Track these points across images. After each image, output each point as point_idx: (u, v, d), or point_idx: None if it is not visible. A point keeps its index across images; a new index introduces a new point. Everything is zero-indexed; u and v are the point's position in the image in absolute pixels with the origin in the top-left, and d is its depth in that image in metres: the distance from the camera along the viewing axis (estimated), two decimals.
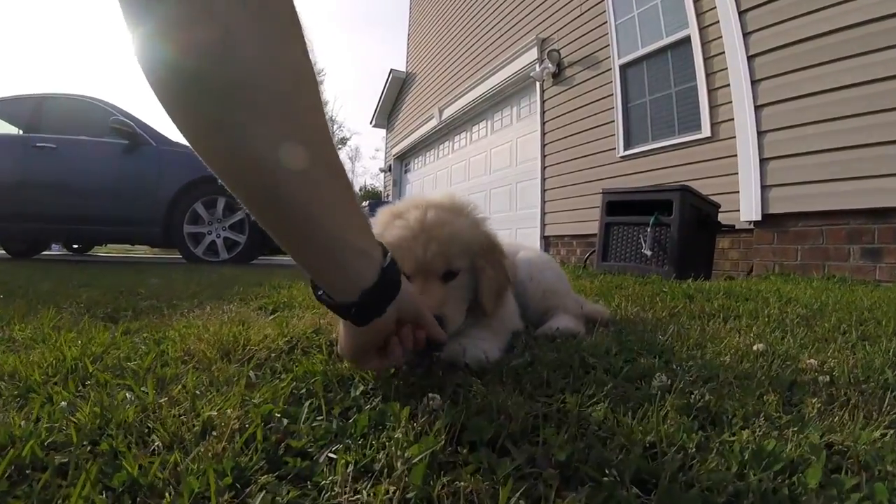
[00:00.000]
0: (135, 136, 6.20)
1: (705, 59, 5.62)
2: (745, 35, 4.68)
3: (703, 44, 5.65)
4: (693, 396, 0.86)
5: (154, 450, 0.73)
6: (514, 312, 1.50)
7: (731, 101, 4.96)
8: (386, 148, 17.56)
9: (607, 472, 0.63)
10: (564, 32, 7.99)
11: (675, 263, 4.08)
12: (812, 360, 1.15)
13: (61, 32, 61.64)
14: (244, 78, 0.59)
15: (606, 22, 7.13)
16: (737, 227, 4.82)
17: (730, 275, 5.08)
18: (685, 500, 0.56)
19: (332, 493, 0.62)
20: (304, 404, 0.86)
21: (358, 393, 0.93)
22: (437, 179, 13.19)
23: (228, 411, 0.83)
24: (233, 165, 0.66)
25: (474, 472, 0.65)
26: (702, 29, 5.67)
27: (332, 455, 0.70)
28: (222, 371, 1.08)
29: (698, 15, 5.73)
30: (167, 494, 0.60)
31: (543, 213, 8.31)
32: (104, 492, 0.61)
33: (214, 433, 0.75)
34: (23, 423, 0.78)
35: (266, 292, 2.73)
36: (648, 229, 4.28)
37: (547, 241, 8.25)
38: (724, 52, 5.05)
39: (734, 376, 1.03)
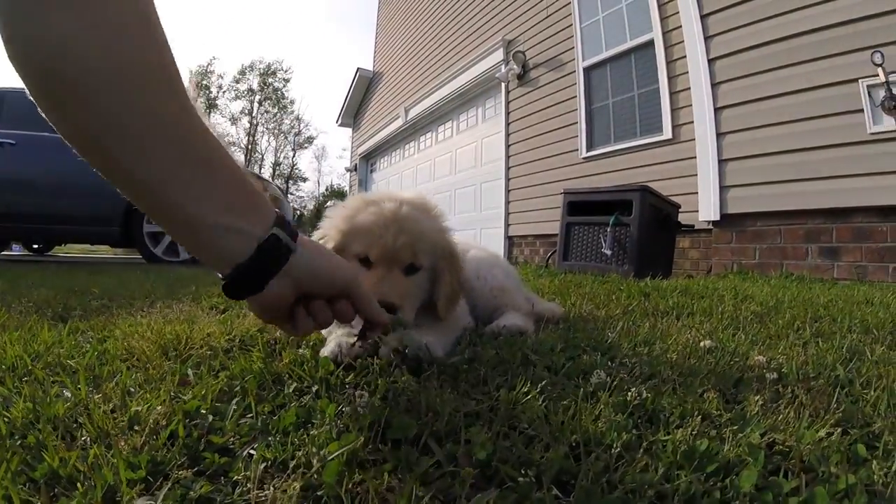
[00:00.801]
0: None
1: (668, 63, 5.67)
2: (707, 38, 4.74)
3: (666, 47, 5.70)
4: (630, 393, 0.80)
5: (81, 444, 0.72)
6: (464, 311, 1.47)
7: (692, 104, 5.00)
8: (352, 147, 17.40)
9: (526, 472, 0.57)
10: (530, 34, 8.00)
11: (635, 262, 4.09)
12: (761, 357, 1.11)
13: None
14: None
15: (572, 24, 7.15)
16: (696, 227, 4.87)
17: (690, 273, 5.12)
18: (604, 503, 0.50)
19: (245, 489, 0.60)
20: (233, 402, 0.84)
21: (290, 390, 0.90)
22: (402, 179, 13.12)
23: (158, 407, 0.81)
24: (74, 139, 0.68)
25: (392, 470, 0.62)
26: (665, 33, 5.73)
27: (252, 451, 0.68)
28: (158, 368, 1.06)
29: (662, 19, 5.78)
30: (79, 486, 0.60)
31: (507, 214, 8.31)
32: (26, 483, 0.62)
33: (137, 427, 0.74)
34: None
35: (220, 291, 2.64)
36: (608, 229, 4.28)
37: (511, 242, 8.25)
38: (686, 56, 5.11)
39: (678, 374, 0.98)
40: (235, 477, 0.62)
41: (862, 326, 1.67)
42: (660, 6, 5.80)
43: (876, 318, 1.81)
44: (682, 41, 5.23)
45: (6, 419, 0.78)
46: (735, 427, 0.71)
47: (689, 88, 5.08)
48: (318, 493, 0.58)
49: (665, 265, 4.54)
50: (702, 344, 1.21)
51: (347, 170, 17.83)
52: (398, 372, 0.98)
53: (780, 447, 0.68)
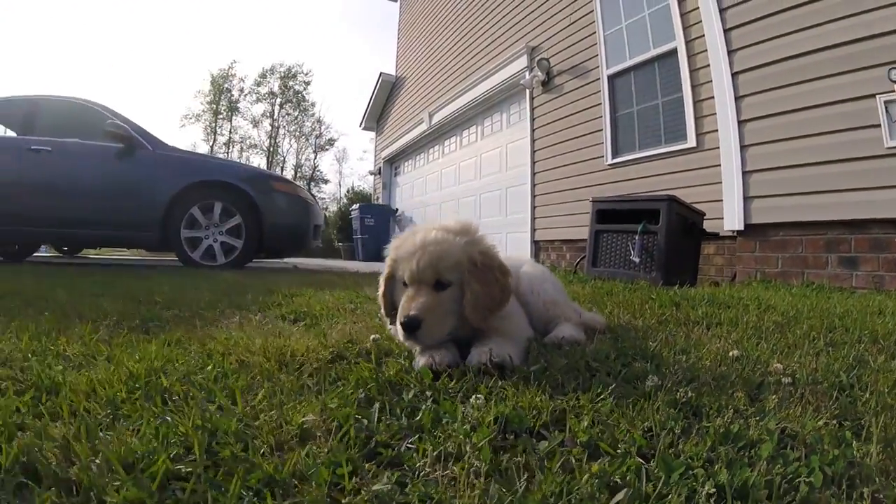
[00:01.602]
0: (131, 140, 6.24)
1: (691, 72, 5.81)
2: (730, 52, 4.92)
3: (689, 56, 5.84)
4: (678, 394, 1.08)
5: (263, 453, 0.87)
6: (525, 322, 1.73)
7: (716, 114, 5.16)
8: (375, 151, 17.70)
9: (617, 448, 0.84)
10: (554, 41, 8.16)
11: (662, 270, 4.31)
12: (779, 365, 1.36)
13: (56, 34, 61.07)
14: None
15: (595, 32, 7.30)
16: (721, 235, 5.05)
17: (714, 280, 5.31)
18: (675, 465, 0.77)
19: (425, 472, 0.81)
20: (374, 407, 1.06)
21: (411, 396, 1.14)
22: (427, 183, 13.36)
23: (310, 416, 1.00)
24: None
25: (522, 451, 0.86)
26: (688, 42, 5.87)
27: (410, 445, 0.90)
28: (287, 381, 1.25)
29: (685, 28, 5.91)
30: (305, 484, 0.76)
31: (534, 219, 8.49)
32: (246, 490, 0.75)
33: (319, 433, 0.94)
34: (136, 440, 0.89)
35: (280, 300, 2.90)
36: (636, 237, 4.50)
37: (537, 246, 8.45)
38: (709, 65, 5.26)
39: (712, 377, 1.25)
40: (414, 465, 0.83)
41: (871, 337, 1.90)
42: (682, 15, 5.93)
43: (885, 328, 2.04)
44: (705, 50, 5.36)
45: (180, 433, 0.91)
46: (757, 418, 0.97)
47: (712, 97, 5.23)
48: (483, 469, 0.81)
49: (691, 272, 4.75)
50: (730, 354, 1.46)
51: (371, 173, 18.13)
52: (489, 378, 1.24)
53: (790, 432, 0.93)
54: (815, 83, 4.29)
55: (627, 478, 0.75)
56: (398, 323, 1.41)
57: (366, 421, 0.99)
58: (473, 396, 1.08)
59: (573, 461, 0.82)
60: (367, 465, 0.83)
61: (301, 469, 0.81)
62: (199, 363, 1.42)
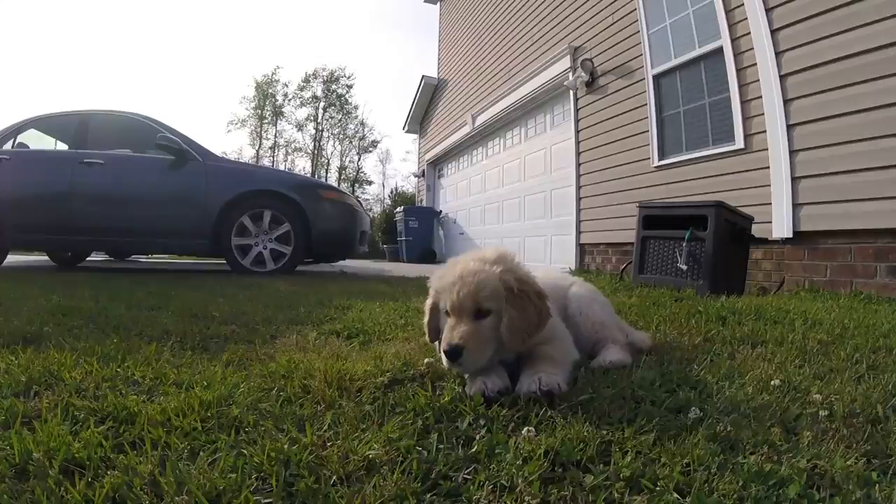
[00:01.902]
0: (182, 152, 6.53)
1: (738, 71, 5.69)
2: (778, 54, 4.84)
3: (735, 55, 5.73)
4: (718, 427, 1.17)
5: (333, 483, 0.98)
6: (571, 344, 1.80)
7: (763, 114, 5.11)
8: (419, 153, 17.91)
9: (658, 484, 0.94)
10: (597, 41, 8.13)
11: (709, 278, 4.30)
12: (818, 395, 1.42)
13: (104, 48, 63.74)
14: None
15: (639, 31, 7.23)
16: (769, 240, 4.99)
17: (762, 285, 5.24)
18: (709, 502, 0.87)
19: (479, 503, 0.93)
20: (432, 437, 1.18)
21: (465, 425, 1.25)
22: (470, 185, 13.49)
23: (376, 446, 1.12)
24: None
25: (570, 485, 0.97)
26: (734, 40, 5.75)
27: (466, 476, 1.02)
28: (349, 409, 1.37)
29: (730, 26, 5.79)
30: None
31: (579, 222, 8.47)
32: None
33: (383, 466, 1.05)
34: (216, 473, 0.99)
35: (333, 314, 3.06)
36: (684, 244, 4.50)
37: (582, 250, 8.44)
38: (756, 64, 5.19)
39: (752, 408, 1.32)
40: (471, 496, 0.93)
41: None
42: (727, 12, 5.82)
43: None
44: (752, 48, 5.28)
45: (255, 463, 1.02)
46: (790, 455, 1.05)
47: (760, 97, 5.16)
48: (533, 501, 0.92)
49: (738, 279, 4.71)
50: (772, 382, 1.53)
51: (415, 175, 18.37)
52: (538, 406, 1.34)
53: (819, 469, 1.01)
54: (865, 86, 4.20)
55: None
56: (441, 351, 1.53)
57: (426, 452, 1.10)
58: (525, 429, 1.19)
59: (615, 495, 0.92)
60: (428, 496, 0.94)
61: (370, 501, 0.92)
62: (264, 387, 1.54)
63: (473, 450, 1.11)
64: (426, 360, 1.77)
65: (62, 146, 7.26)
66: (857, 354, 1.95)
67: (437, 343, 1.72)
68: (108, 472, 0.98)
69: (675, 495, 0.91)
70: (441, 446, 1.13)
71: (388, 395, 1.49)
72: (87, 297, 3.57)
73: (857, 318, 2.80)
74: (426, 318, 1.73)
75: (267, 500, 0.91)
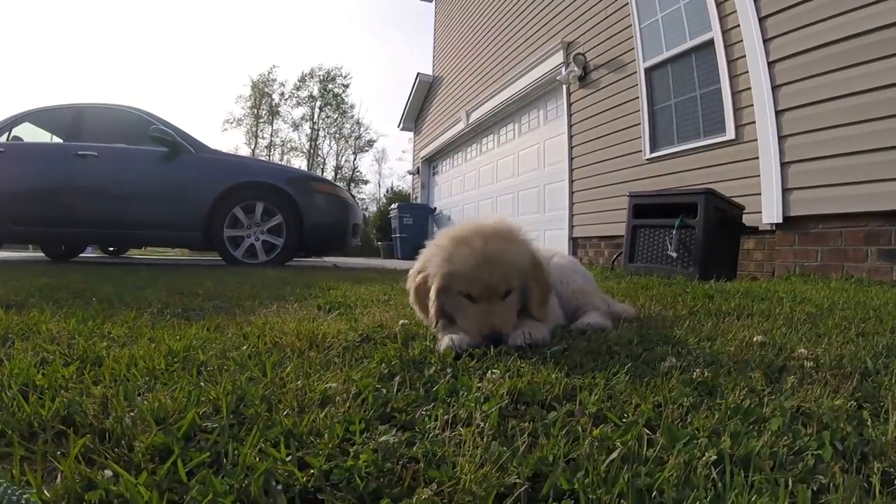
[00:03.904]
0: (175, 143, 6.47)
1: (729, 62, 5.69)
2: (766, 41, 4.81)
3: (726, 46, 5.72)
4: (695, 373, 1.10)
5: (286, 414, 0.94)
6: (557, 308, 1.78)
7: (754, 105, 5.07)
8: (413, 150, 17.87)
9: (624, 418, 0.87)
10: (589, 36, 8.12)
11: (700, 265, 4.25)
12: (803, 350, 1.36)
13: (95, 37, 63.44)
14: None
15: (631, 25, 7.23)
16: (760, 229, 4.95)
17: (754, 275, 5.19)
18: (680, 434, 0.80)
19: (434, 435, 0.87)
20: (394, 380, 1.12)
21: (431, 371, 1.20)
22: (464, 182, 13.43)
23: (333, 384, 1.08)
24: None
25: (530, 420, 0.91)
26: (724, 32, 5.75)
27: (425, 412, 0.96)
28: (316, 358, 1.33)
29: (721, 18, 5.79)
30: (319, 439, 0.83)
31: (571, 215, 8.45)
32: (267, 442, 0.82)
33: (338, 398, 1.00)
34: (169, 400, 0.98)
35: (318, 293, 3.00)
36: (674, 231, 4.45)
37: (575, 243, 8.41)
38: (746, 55, 5.16)
39: (733, 361, 1.26)
40: (424, 427, 0.89)
41: None
42: (717, 5, 5.81)
43: None
44: (742, 40, 5.26)
45: (212, 397, 0.98)
46: (773, 397, 0.99)
47: (750, 88, 5.13)
48: (489, 433, 0.86)
49: (729, 267, 4.67)
50: (755, 339, 1.46)
51: (410, 173, 18.29)
52: (509, 358, 1.28)
53: (805, 410, 0.94)
54: (853, 70, 4.16)
55: (629, 444, 0.79)
56: (476, 333, 1.46)
57: (385, 390, 1.05)
58: (490, 371, 1.13)
59: (579, 430, 0.86)
60: (381, 427, 0.89)
61: (318, 426, 0.88)
62: (236, 343, 1.51)
63: (434, 390, 1.06)
64: (401, 322, 1.70)
65: (57, 140, 7.21)
66: (846, 323, 1.89)
67: (444, 328, 1.60)
68: (62, 393, 1.00)
69: (645, 430, 0.85)
70: (403, 388, 1.09)
71: (357, 348, 1.44)
72: (76, 279, 3.56)
73: (847, 296, 2.75)
74: (431, 303, 1.58)
75: (213, 425, 0.88)
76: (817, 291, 2.97)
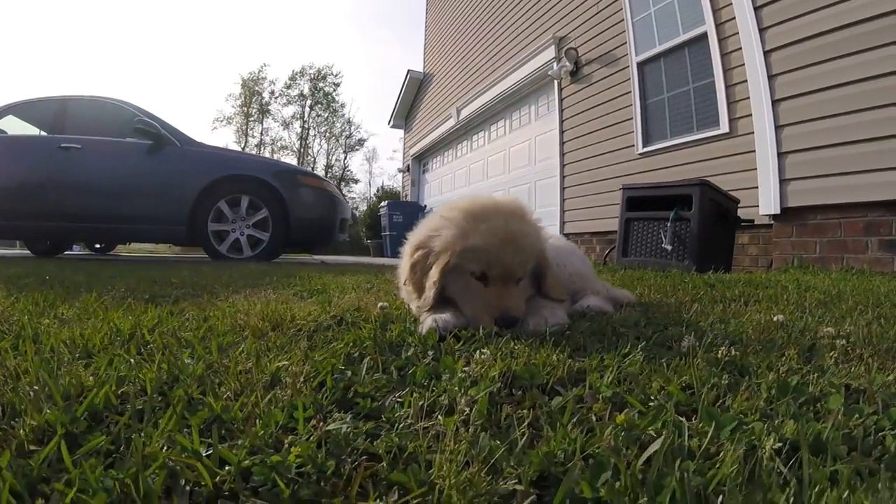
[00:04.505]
0: (159, 136, 6.30)
1: (722, 56, 5.62)
2: (761, 31, 4.71)
3: (719, 40, 5.66)
4: (721, 352, 0.95)
5: (226, 397, 0.80)
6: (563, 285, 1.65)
7: (749, 97, 4.98)
8: (404, 148, 17.71)
9: (649, 403, 0.72)
10: (581, 31, 8.02)
11: (695, 258, 4.14)
12: (829, 329, 1.23)
13: (83, 35, 62.71)
14: None
15: (623, 20, 7.14)
16: (756, 223, 4.85)
17: (749, 270, 5.10)
18: (725, 419, 0.65)
19: (405, 425, 0.71)
20: (363, 362, 0.96)
21: (410, 353, 1.05)
22: (455, 179, 13.30)
23: (293, 367, 0.92)
24: None
25: (530, 406, 0.74)
26: (718, 25, 5.68)
27: (397, 399, 0.80)
28: (277, 339, 1.18)
29: (714, 11, 5.72)
30: (251, 426, 0.68)
31: (563, 212, 8.34)
32: (185, 429, 0.69)
33: (289, 380, 0.85)
34: (91, 377, 0.86)
35: (297, 282, 2.85)
36: (668, 224, 4.34)
37: (567, 239, 8.25)
38: (741, 48, 5.08)
39: (757, 340, 1.12)
40: (393, 416, 0.72)
41: None
42: None
43: None
44: (736, 33, 5.18)
45: (139, 381, 0.85)
46: (815, 374, 0.85)
47: (745, 81, 5.05)
48: (476, 423, 0.70)
49: (725, 261, 4.57)
50: (775, 318, 1.33)
51: (400, 170, 18.14)
52: (500, 340, 1.13)
53: (856, 388, 0.81)
54: (853, 57, 4.06)
55: (664, 432, 0.63)
56: (488, 317, 1.31)
57: (350, 373, 0.90)
58: (478, 352, 0.98)
59: (593, 419, 0.71)
60: (337, 415, 0.74)
61: (258, 412, 0.74)
62: (192, 326, 1.37)
63: (410, 372, 0.90)
64: (380, 305, 1.54)
65: (40, 132, 6.99)
66: (861, 307, 1.76)
67: (436, 307, 1.40)
68: None
69: (677, 415, 0.70)
70: (374, 372, 0.93)
71: (328, 331, 1.29)
72: (50, 269, 3.45)
73: (853, 285, 2.63)
74: (432, 283, 1.38)
75: (139, 407, 0.75)
76: (820, 281, 2.85)
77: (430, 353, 1.06)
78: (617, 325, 1.27)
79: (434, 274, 1.37)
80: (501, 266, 1.32)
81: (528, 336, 1.20)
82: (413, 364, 0.97)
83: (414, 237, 1.53)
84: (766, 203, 4.61)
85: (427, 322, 1.27)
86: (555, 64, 8.46)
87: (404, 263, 1.52)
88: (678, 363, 0.92)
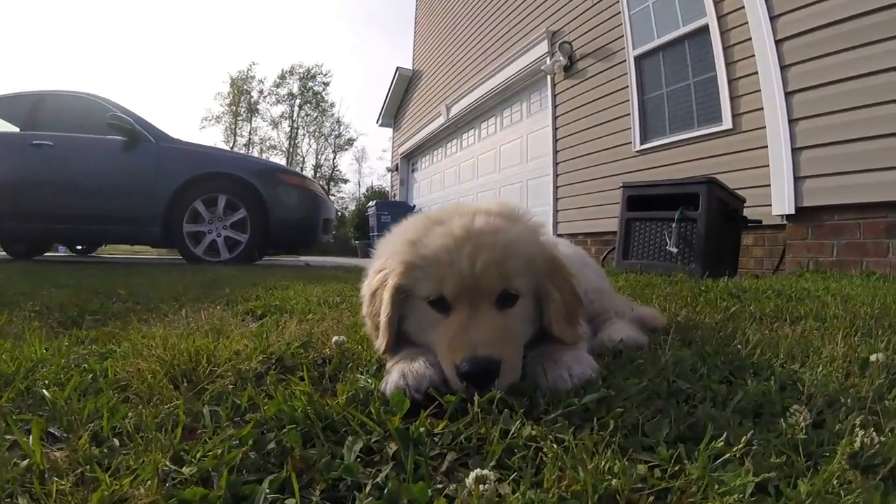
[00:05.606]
0: (133, 132, 6.02)
1: (725, 49, 5.40)
2: (772, 18, 4.44)
3: (721, 32, 5.44)
4: (858, 440, 0.62)
5: None
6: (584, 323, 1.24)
7: (753, 91, 4.77)
8: (392, 147, 17.43)
9: None
10: (576, 24, 7.78)
11: (702, 261, 3.87)
12: None
13: (58, 29, 61.80)
14: None
15: (620, 12, 6.92)
16: (764, 223, 4.58)
17: (754, 273, 4.85)
18: None
19: None
20: (265, 482, 0.59)
21: (352, 457, 0.67)
22: (444, 178, 13.05)
23: (140, 489, 0.58)
24: None
25: None
26: (720, 17, 5.46)
27: None
28: (161, 405, 0.85)
29: (716, 3, 5.51)
30: None
31: (556, 212, 8.09)
32: None
33: None
34: None
35: (259, 293, 2.57)
36: (673, 225, 4.05)
37: None
38: (745, 41, 4.89)
39: (869, 400, 0.79)
40: None
41: None
42: None
43: None
44: (739, 25, 4.98)
45: None
46: None
47: (749, 75, 4.86)
48: None
49: (731, 263, 4.32)
50: (872, 358, 1.00)
51: (389, 170, 17.86)
52: (500, 412, 0.77)
53: None
54: (874, 46, 3.79)
55: None
56: (449, 367, 0.90)
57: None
58: (475, 471, 0.57)
59: None
60: None
61: None
62: (76, 371, 1.05)
63: None
64: (334, 340, 1.18)
65: (13, 128, 6.69)
66: None
67: (396, 352, 1.03)
68: None
69: None
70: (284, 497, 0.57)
71: (253, 384, 0.95)
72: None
73: (892, 294, 2.32)
74: (384, 311, 1.01)
75: None
76: (852, 289, 2.55)
77: (392, 448, 0.69)
78: (671, 376, 0.91)
79: (384, 302, 1.01)
80: (458, 277, 0.92)
81: (545, 399, 0.82)
82: (355, 485, 0.60)
83: (382, 249, 1.12)
84: (780, 202, 4.32)
85: (392, 376, 0.90)
86: (548, 59, 8.25)
87: (364, 289, 1.14)
88: (803, 465, 0.59)
